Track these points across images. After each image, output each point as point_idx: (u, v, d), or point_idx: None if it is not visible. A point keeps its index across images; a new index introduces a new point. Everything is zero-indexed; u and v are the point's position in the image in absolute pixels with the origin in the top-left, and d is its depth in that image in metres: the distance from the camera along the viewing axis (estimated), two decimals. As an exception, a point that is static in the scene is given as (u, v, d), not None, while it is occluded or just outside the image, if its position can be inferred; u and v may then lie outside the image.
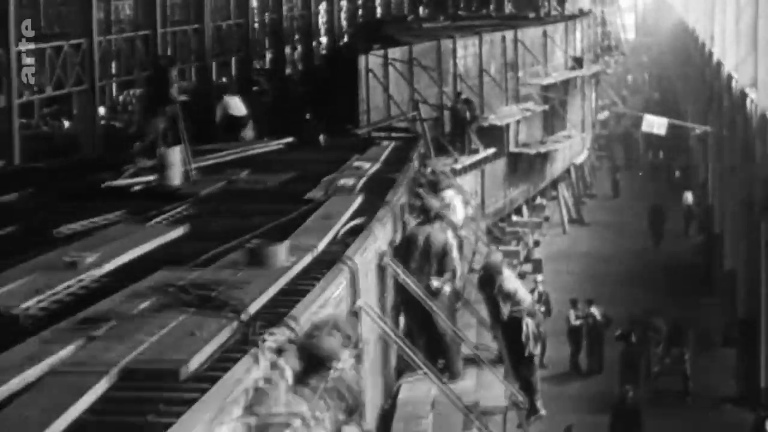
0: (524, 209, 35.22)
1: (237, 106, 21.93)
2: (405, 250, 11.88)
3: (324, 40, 41.66)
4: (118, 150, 22.70)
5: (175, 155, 14.23)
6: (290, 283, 8.43)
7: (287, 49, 38.45)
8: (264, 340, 6.44)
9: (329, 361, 6.33)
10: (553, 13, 42.43)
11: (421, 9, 45.79)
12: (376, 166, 15.70)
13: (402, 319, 12.02)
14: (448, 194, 15.97)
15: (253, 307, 7.39)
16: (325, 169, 14.82)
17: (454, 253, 12.06)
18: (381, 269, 10.94)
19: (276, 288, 8.11)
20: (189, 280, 7.97)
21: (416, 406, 10.67)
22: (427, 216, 12.52)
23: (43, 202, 13.47)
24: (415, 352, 9.89)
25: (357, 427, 6.84)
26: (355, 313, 8.97)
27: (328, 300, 8.25)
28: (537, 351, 13.68)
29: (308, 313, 7.55)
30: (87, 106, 26.03)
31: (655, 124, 33.95)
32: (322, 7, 41.35)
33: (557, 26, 37.47)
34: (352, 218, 11.21)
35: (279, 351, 6.45)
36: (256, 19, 35.56)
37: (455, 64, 29.78)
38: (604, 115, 51.06)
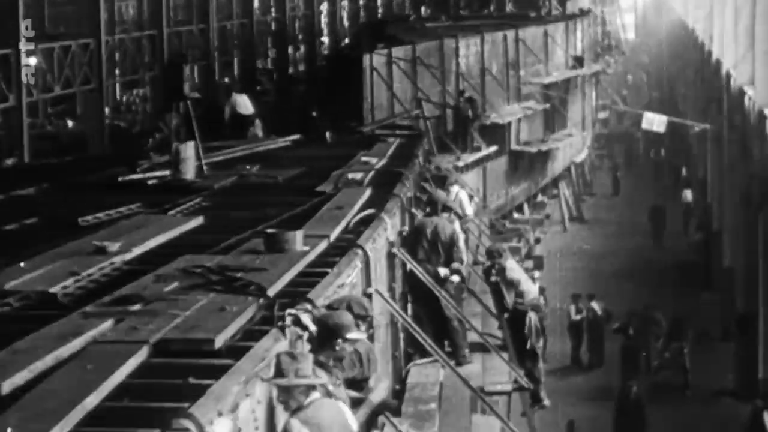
0: (525, 207, 35.64)
1: (245, 104, 22.35)
2: (414, 240, 12.34)
3: (326, 40, 41.99)
4: (123, 149, 23.19)
5: (189, 150, 14.69)
6: (307, 268, 8.89)
7: (289, 49, 38.79)
8: (288, 315, 6.90)
9: (345, 333, 6.79)
10: (554, 12, 42.83)
11: (422, 9, 46.19)
12: (383, 161, 16.20)
13: (410, 307, 12.48)
14: (454, 189, 16.50)
15: (275, 288, 7.86)
16: (332, 165, 15.26)
17: (461, 244, 12.52)
18: (391, 258, 11.41)
19: (294, 272, 8.58)
20: (213, 264, 8.43)
21: (424, 389, 11.12)
22: (434, 208, 12.96)
23: (61, 196, 13.95)
24: (424, 337, 10.34)
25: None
26: (368, 297, 9.42)
27: (343, 284, 8.71)
28: (540, 344, 14.02)
29: (325, 294, 8.01)
30: (94, 105, 26.43)
31: (655, 122, 34.38)
32: (324, 7, 41.67)
33: (558, 26, 37.85)
34: (362, 209, 11.67)
35: (301, 325, 6.91)
36: (257, 19, 35.88)
37: (458, 63, 30.18)
38: (604, 114, 51.50)
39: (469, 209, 16.67)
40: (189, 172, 14.57)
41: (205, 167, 15.05)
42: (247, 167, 15.52)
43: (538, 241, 35.37)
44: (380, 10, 47.68)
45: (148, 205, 12.42)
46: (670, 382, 25.49)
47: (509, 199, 33.47)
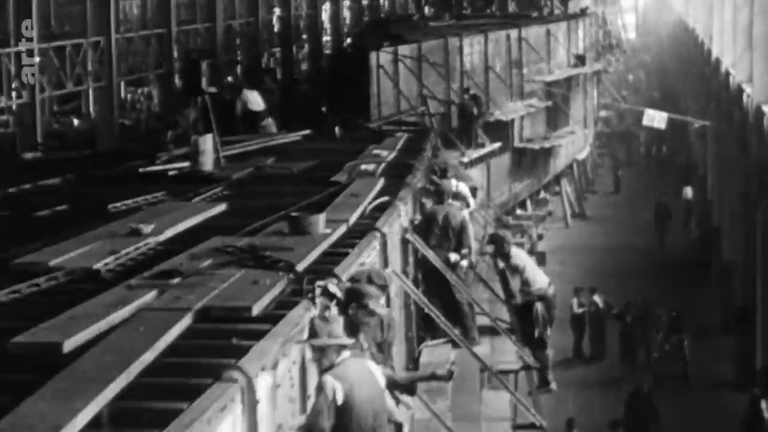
0: (528, 203, 36.18)
1: (256, 100, 22.86)
2: (425, 227, 12.92)
3: (329, 39, 42.38)
4: (131, 146, 23.68)
5: (207, 143, 15.26)
6: (329, 249, 9.49)
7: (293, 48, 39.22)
8: (317, 287, 7.51)
9: (367, 302, 7.39)
10: (556, 12, 43.37)
11: (426, 8, 46.73)
12: (393, 154, 16.80)
13: (421, 291, 13.03)
14: (453, 183, 17.05)
15: (302, 264, 8.46)
16: (344, 158, 15.84)
17: (470, 231, 13.10)
18: (404, 243, 12.00)
19: (318, 251, 9.17)
20: (243, 244, 9.03)
21: (437, 368, 11.68)
22: (440, 199, 13.52)
23: (86, 186, 14.52)
24: (437, 315, 10.92)
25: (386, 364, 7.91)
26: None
27: (363, 263, 9.30)
28: (547, 332, 14.41)
29: (348, 271, 8.61)
30: (105, 102, 26.97)
31: (656, 118, 34.90)
32: (326, 6, 42.08)
33: (560, 25, 38.34)
34: (376, 197, 12.26)
35: (329, 295, 7.52)
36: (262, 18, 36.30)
37: (462, 61, 30.73)
38: (605, 113, 51.99)
39: (472, 201, 17.22)
40: (207, 164, 15.13)
41: (222, 159, 15.62)
42: (262, 161, 16.09)
43: (540, 237, 35.90)
44: (384, 9, 48.14)
45: (172, 193, 13.00)
46: (670, 373, 26.01)
47: (513, 195, 34.00)
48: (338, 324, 6.73)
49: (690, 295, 30.34)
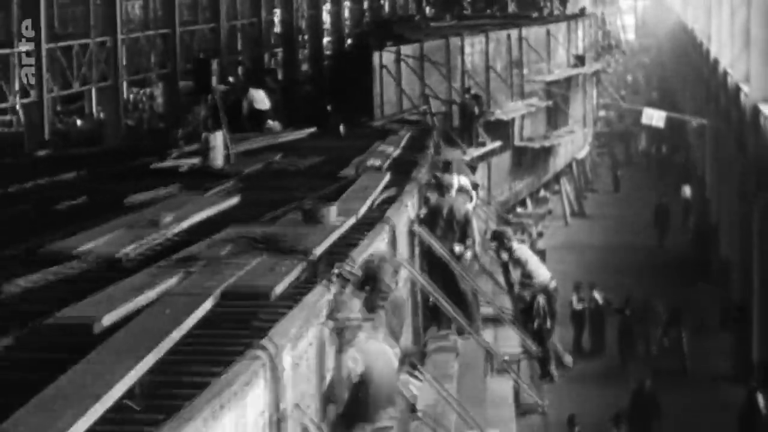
0: (528, 201, 36.57)
1: (261, 99, 23.25)
2: (430, 219, 13.31)
3: (330, 40, 42.67)
4: (136, 145, 24.03)
5: (218, 139, 15.65)
6: (342, 237, 9.89)
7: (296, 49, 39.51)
8: (334, 270, 7.91)
9: (382, 284, 7.78)
10: (555, 12, 43.76)
11: (427, 9, 47.10)
12: (398, 150, 17.20)
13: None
14: (462, 177, 17.45)
15: (316, 252, 8.85)
16: (349, 154, 16.24)
17: (474, 222, 13.50)
18: (411, 235, 12.39)
19: (331, 240, 9.57)
20: (259, 233, 9.42)
21: (444, 355, 12.11)
22: (443, 192, 13.89)
23: (101, 181, 14.90)
24: (445, 304, 11.32)
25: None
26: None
27: (374, 252, 9.68)
28: (548, 325, 14.74)
29: (360, 257, 8.99)
30: (111, 102, 27.34)
31: (654, 117, 35.28)
32: (327, 7, 42.37)
33: (560, 25, 38.74)
34: (384, 191, 12.66)
35: (344, 279, 7.92)
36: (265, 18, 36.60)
37: (463, 61, 31.13)
38: (604, 113, 52.36)
39: (474, 195, 17.59)
40: (218, 160, 15.54)
41: (232, 155, 16.01)
42: (270, 157, 16.47)
43: (540, 235, 36.21)
44: (385, 10, 48.49)
45: (185, 188, 13.37)
46: (669, 367, 26.36)
47: (513, 194, 34.39)
48: (356, 304, 7.14)
49: (689, 291, 30.64)
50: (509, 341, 13.33)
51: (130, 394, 5.81)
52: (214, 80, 16.57)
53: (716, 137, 34.57)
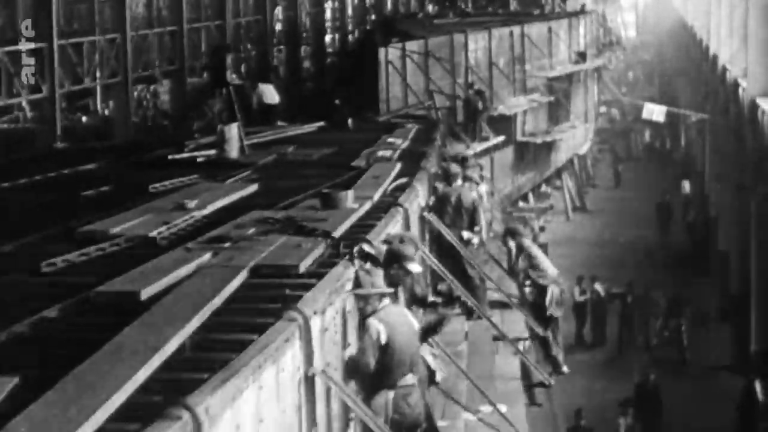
0: (530, 196, 37.11)
1: (271, 94, 23.80)
2: (439, 207, 13.90)
3: (332, 37, 43.08)
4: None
5: (233, 131, 16.24)
6: (359, 220, 10.48)
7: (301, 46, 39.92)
8: (356, 248, 8.50)
9: (404, 260, 8.35)
10: (556, 10, 44.30)
11: (429, 6, 47.62)
12: (407, 142, 17.79)
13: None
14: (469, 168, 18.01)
15: (337, 233, 9.45)
16: (359, 146, 16.82)
17: (481, 210, 14.09)
18: (422, 221, 12.98)
19: (349, 223, 10.16)
20: (281, 216, 10.02)
21: (453, 336, 12.68)
22: (449, 181, 14.45)
23: (122, 170, 15.49)
24: (457, 286, 11.91)
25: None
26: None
27: (389, 234, 10.27)
28: (559, 314, 15.17)
29: (377, 239, 9.58)
30: (120, 98, 27.87)
31: (655, 112, 35.77)
32: (329, 5, 42.77)
33: (561, 22, 39.33)
34: (395, 179, 13.24)
35: (365, 256, 8.50)
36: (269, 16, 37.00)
37: (467, 57, 31.72)
38: (605, 109, 52.88)
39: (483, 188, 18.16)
40: (233, 151, 16.12)
41: (246, 147, 16.59)
42: (283, 149, 17.05)
43: (542, 229, 36.79)
44: (388, 8, 48.94)
45: (205, 177, 13.96)
46: (669, 357, 26.90)
47: (515, 188, 34.95)
48: (379, 276, 7.74)
49: (688, 282, 31.14)
50: (516, 325, 13.90)
51: (181, 350, 6.40)
52: (228, 74, 17.11)
53: (715, 132, 35.08)
